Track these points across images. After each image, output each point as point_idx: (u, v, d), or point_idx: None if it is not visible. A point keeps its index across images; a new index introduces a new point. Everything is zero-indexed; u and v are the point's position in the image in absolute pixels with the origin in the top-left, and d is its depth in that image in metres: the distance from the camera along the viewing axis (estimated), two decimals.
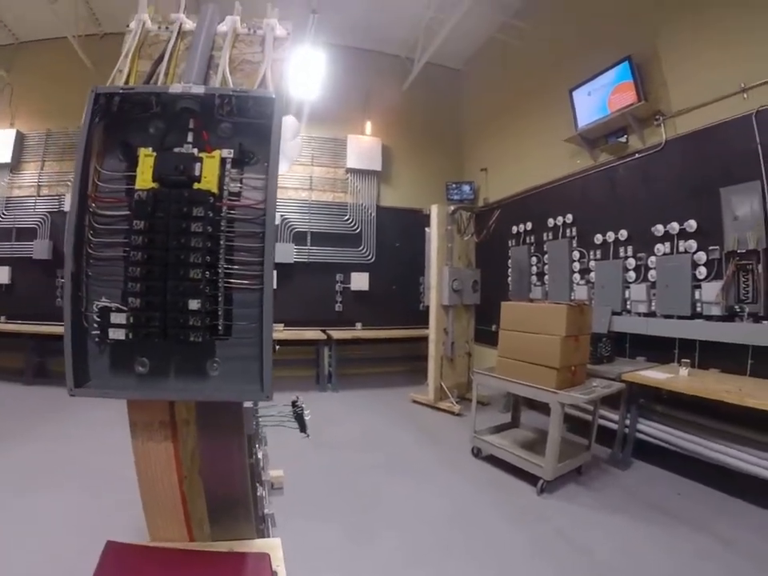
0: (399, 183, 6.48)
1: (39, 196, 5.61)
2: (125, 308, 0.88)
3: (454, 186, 6.24)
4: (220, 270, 0.91)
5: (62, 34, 5.39)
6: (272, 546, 1.08)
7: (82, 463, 2.95)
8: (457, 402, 4.43)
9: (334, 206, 6.12)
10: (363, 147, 6.13)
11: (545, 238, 4.72)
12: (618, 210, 3.83)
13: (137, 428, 0.97)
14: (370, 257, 6.19)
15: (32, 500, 2.43)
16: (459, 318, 4.79)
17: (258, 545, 1.08)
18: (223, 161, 0.94)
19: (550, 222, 4.60)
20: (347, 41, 6.12)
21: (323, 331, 5.50)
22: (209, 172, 0.90)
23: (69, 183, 5.61)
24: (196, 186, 0.89)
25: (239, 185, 0.95)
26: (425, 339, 5.33)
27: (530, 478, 2.74)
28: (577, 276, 4.23)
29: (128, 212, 0.92)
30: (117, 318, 0.87)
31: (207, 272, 0.88)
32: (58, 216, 5.52)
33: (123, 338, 0.87)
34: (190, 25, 1.16)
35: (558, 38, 4.69)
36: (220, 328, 0.92)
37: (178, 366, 0.94)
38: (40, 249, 5.41)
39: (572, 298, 4.22)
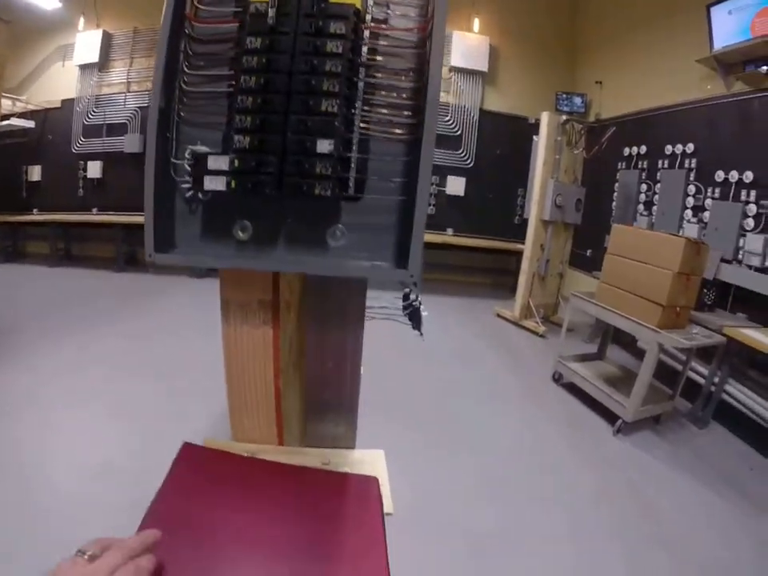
0: (505, 87, 5.97)
1: (129, 92, 5.69)
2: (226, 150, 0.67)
3: (564, 96, 5.63)
4: (356, 111, 0.67)
5: None
6: (374, 458, 0.91)
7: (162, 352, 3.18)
8: (542, 323, 4.28)
9: None
10: (469, 45, 5.64)
11: (659, 166, 4.22)
12: (748, 148, 3.33)
13: (229, 308, 0.79)
14: (468, 161, 5.86)
15: (119, 385, 2.64)
16: (557, 236, 4.54)
17: (356, 456, 0.92)
18: None
19: (668, 148, 4.06)
20: None
21: None
22: None
23: None
24: None
25: (386, 10, 0.68)
26: (515, 253, 5.23)
27: (608, 415, 2.69)
28: (689, 213, 3.82)
29: (237, 34, 0.69)
30: (216, 162, 0.66)
31: (343, 107, 0.64)
32: (148, 110, 5.53)
33: (223, 188, 0.66)
34: None
35: None
36: (351, 183, 0.68)
37: (290, 232, 0.72)
38: (131, 142, 5.54)
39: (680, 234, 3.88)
